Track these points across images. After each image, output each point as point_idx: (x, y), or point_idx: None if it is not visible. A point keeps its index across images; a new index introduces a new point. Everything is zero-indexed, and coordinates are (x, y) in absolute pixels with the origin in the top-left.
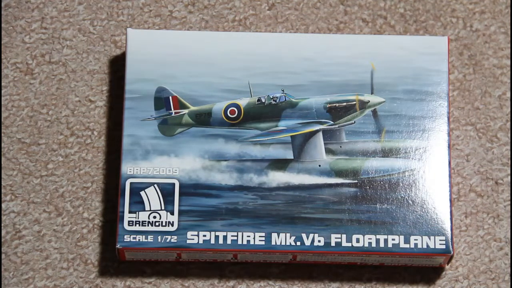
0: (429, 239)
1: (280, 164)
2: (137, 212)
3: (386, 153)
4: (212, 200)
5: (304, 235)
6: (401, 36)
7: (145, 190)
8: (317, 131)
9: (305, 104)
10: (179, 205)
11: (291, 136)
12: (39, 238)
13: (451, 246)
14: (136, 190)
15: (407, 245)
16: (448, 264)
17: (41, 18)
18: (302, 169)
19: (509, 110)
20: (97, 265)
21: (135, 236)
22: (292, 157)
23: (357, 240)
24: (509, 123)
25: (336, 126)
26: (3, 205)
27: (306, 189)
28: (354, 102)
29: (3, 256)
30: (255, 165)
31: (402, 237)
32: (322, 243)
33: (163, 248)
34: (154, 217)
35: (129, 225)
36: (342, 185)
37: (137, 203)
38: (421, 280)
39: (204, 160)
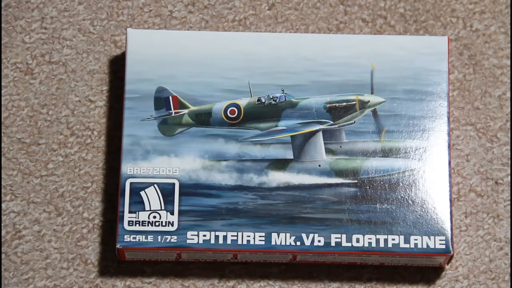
0: (429, 239)
1: (280, 164)
2: (137, 212)
3: (386, 153)
4: (212, 200)
5: (304, 235)
6: (401, 36)
7: (145, 190)
8: (317, 131)
9: (305, 104)
10: (179, 205)
11: (291, 136)
12: (39, 238)
13: (451, 246)
14: (136, 190)
15: (407, 245)
16: (448, 264)
17: (41, 18)
18: (302, 169)
19: (509, 110)
20: (97, 265)
21: (135, 236)
22: (292, 157)
23: (357, 240)
24: (509, 123)
25: (336, 126)
26: (3, 205)
27: (306, 189)
28: (354, 102)
29: (3, 256)
30: (255, 165)
31: (402, 237)
32: (322, 243)
33: (163, 248)
34: (154, 217)
35: (129, 225)
36: (342, 185)
37: (137, 203)
38: (421, 280)
39: (204, 160)
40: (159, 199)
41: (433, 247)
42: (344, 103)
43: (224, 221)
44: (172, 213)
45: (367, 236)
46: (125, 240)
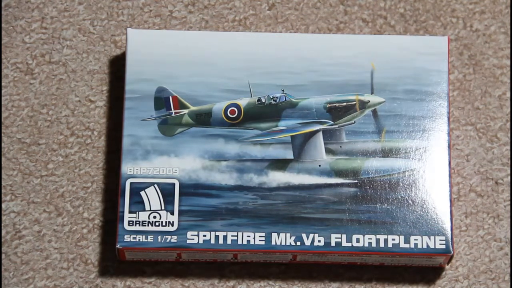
0: (429, 239)
1: (280, 164)
2: (137, 212)
3: (386, 153)
4: (212, 200)
5: (304, 235)
6: (401, 36)
7: (145, 190)
8: (317, 131)
9: (305, 104)
10: (179, 205)
11: (291, 136)
12: (39, 238)
13: (451, 246)
14: (136, 190)
15: (407, 245)
16: (448, 264)
17: (41, 18)
18: (302, 169)
19: (509, 110)
20: (97, 265)
21: (135, 236)
22: (292, 157)
23: (357, 240)
24: (509, 123)
25: (336, 126)
26: (3, 205)
27: (306, 189)
28: (354, 102)
29: (3, 256)
30: (255, 165)
31: (402, 237)
32: (322, 243)
33: (163, 248)
34: (154, 217)
35: (129, 225)
36: (342, 185)
37: (137, 203)
38: (421, 280)
39: (204, 160)
40: (159, 199)
41: (433, 247)
42: (344, 103)
43: (224, 221)
44: (172, 213)
45: (367, 236)
46: (125, 240)
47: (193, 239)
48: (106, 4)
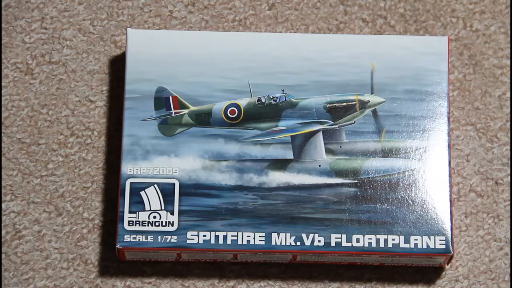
0: (429, 239)
1: (280, 164)
2: (137, 212)
3: (386, 153)
4: (212, 200)
5: (304, 235)
6: (401, 36)
7: (145, 190)
8: (317, 131)
9: (305, 104)
10: (179, 205)
11: (291, 136)
12: (39, 238)
13: (451, 246)
14: (136, 190)
15: (407, 245)
16: (448, 264)
17: (41, 18)
18: (302, 169)
19: (509, 110)
20: (97, 265)
21: (135, 236)
22: (292, 157)
23: (357, 240)
24: (509, 123)
25: (336, 126)
26: (3, 205)
27: (306, 189)
28: (354, 102)
29: (3, 256)
30: (255, 165)
31: (402, 237)
32: (322, 243)
33: (163, 248)
34: (154, 217)
35: (129, 225)
36: (342, 185)
37: (137, 203)
38: (421, 280)
39: (204, 160)
40: (159, 199)
41: (433, 247)
42: (344, 103)
43: (224, 221)
44: (172, 213)
45: (367, 236)
46: (125, 240)
47: (193, 239)
48: (106, 4)
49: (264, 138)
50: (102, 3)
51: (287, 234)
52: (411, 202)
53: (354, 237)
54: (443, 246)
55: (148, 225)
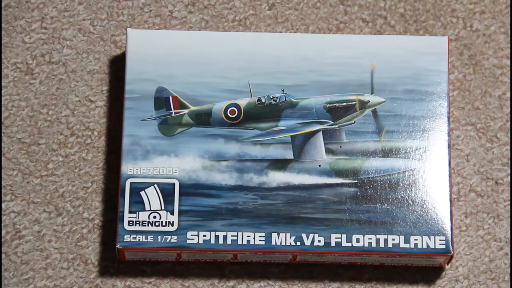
0: (429, 239)
1: (280, 164)
2: (137, 212)
3: (386, 153)
4: (212, 200)
5: (304, 235)
6: (401, 36)
7: (145, 190)
8: (317, 131)
9: (305, 104)
10: (179, 205)
11: (291, 136)
12: (39, 238)
13: (451, 246)
14: (136, 190)
15: (407, 245)
16: (448, 264)
17: (41, 18)
18: (302, 169)
19: (509, 110)
20: (97, 265)
21: (135, 236)
22: (292, 157)
23: (357, 240)
24: (509, 123)
25: (336, 126)
26: (3, 205)
27: (306, 189)
28: (354, 102)
29: (3, 256)
30: (255, 165)
31: (402, 237)
32: (322, 243)
33: (163, 248)
34: (154, 217)
35: (129, 225)
36: (342, 185)
37: (137, 203)
38: (421, 280)
39: (204, 160)
40: (159, 199)
41: (433, 247)
42: (344, 103)
43: (224, 221)
44: (172, 213)
45: (367, 236)
46: (125, 240)
47: (193, 239)
48: (106, 4)
49: (264, 138)
50: (102, 3)
51: (287, 234)
52: (411, 202)
53: (354, 237)
54: (443, 246)
55: (148, 225)
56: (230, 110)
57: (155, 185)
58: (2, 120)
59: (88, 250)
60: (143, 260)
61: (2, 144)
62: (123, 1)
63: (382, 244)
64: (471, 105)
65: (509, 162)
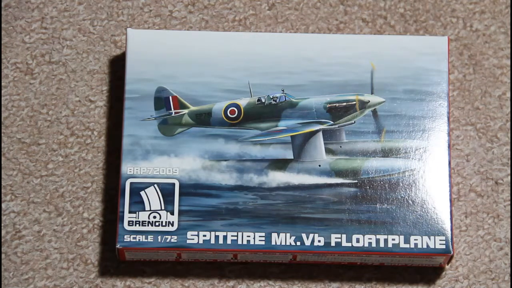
0: (429, 239)
1: (280, 164)
2: (137, 212)
3: (386, 153)
4: (212, 200)
5: (304, 235)
6: (401, 36)
7: (145, 190)
8: (317, 131)
9: (305, 104)
10: (179, 205)
11: (291, 136)
12: (39, 238)
13: (451, 246)
14: (136, 190)
15: (407, 245)
16: (448, 264)
17: (41, 18)
18: (302, 169)
19: (509, 110)
20: (97, 265)
21: (135, 236)
22: (292, 157)
23: (357, 240)
24: (509, 123)
25: (336, 126)
26: (3, 205)
27: (306, 189)
28: (354, 102)
29: (3, 256)
30: (255, 165)
31: (402, 237)
32: (322, 243)
33: (163, 248)
34: (154, 217)
35: (129, 225)
36: (342, 185)
37: (137, 203)
38: (421, 280)
39: (204, 160)
40: (159, 199)
41: (433, 247)
42: (344, 103)
43: (224, 221)
44: (172, 213)
45: (367, 236)
46: (125, 240)
47: (193, 239)
48: (106, 4)
49: (264, 138)
50: (102, 3)
51: (287, 234)
52: (411, 202)
53: (354, 237)
54: (443, 246)
55: (148, 225)
56: (230, 110)
57: (155, 185)
58: (2, 120)
59: (88, 250)
60: (143, 260)
61: (2, 144)
62: (123, 1)
63: (382, 244)
64: (471, 105)
65: (509, 162)
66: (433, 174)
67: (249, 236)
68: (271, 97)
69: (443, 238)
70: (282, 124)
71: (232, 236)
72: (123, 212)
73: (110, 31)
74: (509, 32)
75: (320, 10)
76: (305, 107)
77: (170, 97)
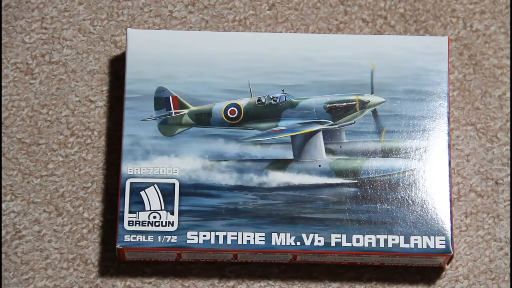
0: (429, 239)
1: (280, 164)
2: (137, 212)
3: (386, 153)
4: (212, 200)
5: (304, 235)
6: (401, 36)
7: (145, 190)
8: (317, 131)
9: (305, 104)
10: (179, 205)
11: (291, 136)
12: (39, 238)
13: (451, 246)
14: (136, 190)
15: (407, 245)
16: (448, 264)
17: (41, 18)
18: (302, 169)
19: (509, 110)
20: (97, 265)
21: (135, 236)
22: (292, 157)
23: (357, 240)
24: (509, 123)
25: (336, 126)
26: (3, 205)
27: (306, 189)
28: (354, 102)
29: (3, 256)
30: (255, 165)
31: (402, 237)
32: (322, 243)
33: (163, 248)
34: (154, 217)
35: (129, 225)
36: (342, 185)
37: (137, 203)
38: (421, 280)
39: (204, 160)
40: (159, 199)
41: (433, 247)
42: (344, 103)
43: (224, 221)
44: (172, 213)
45: (367, 236)
46: (125, 240)
47: (193, 239)
48: (106, 4)
49: (264, 138)
50: (102, 3)
51: (287, 234)
52: (411, 202)
53: (354, 237)
54: (443, 246)
55: (148, 225)
56: (230, 110)
57: (155, 185)
58: (2, 120)
59: (88, 250)
60: (143, 260)
61: (2, 144)
62: (123, 1)
63: (382, 244)
64: (471, 105)
65: (509, 162)
66: (433, 174)
67: (249, 236)
68: (271, 97)
69: (443, 238)
70: (282, 124)
71: (232, 236)
72: (123, 212)
73: (110, 31)
74: (509, 32)
75: (320, 10)
76: (305, 107)
77: (170, 97)
